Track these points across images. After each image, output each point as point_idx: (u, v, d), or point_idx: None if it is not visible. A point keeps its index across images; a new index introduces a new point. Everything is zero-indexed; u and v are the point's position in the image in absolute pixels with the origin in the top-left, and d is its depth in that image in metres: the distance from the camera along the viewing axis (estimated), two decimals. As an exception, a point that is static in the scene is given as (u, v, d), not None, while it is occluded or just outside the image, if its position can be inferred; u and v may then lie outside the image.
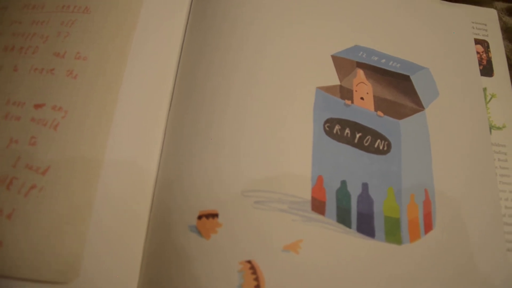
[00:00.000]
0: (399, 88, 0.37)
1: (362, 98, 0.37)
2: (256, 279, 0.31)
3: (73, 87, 0.35)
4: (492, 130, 0.39)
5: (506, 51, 0.45)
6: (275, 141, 0.35)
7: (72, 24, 0.37)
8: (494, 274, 0.33)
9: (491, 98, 0.40)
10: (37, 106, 0.35)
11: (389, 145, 0.35)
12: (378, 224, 0.34)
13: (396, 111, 0.37)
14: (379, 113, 0.36)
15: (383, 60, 0.38)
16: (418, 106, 0.37)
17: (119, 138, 0.34)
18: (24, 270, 0.31)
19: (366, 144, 0.35)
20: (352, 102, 0.36)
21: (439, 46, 0.40)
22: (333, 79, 0.37)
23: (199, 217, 0.32)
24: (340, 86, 0.37)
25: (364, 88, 0.37)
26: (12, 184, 0.33)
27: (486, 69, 0.41)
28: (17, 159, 0.33)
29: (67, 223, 0.32)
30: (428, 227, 0.35)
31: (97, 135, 0.34)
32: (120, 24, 0.37)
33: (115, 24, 0.37)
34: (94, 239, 0.32)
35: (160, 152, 0.35)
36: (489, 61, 0.42)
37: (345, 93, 0.37)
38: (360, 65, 0.38)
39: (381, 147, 0.35)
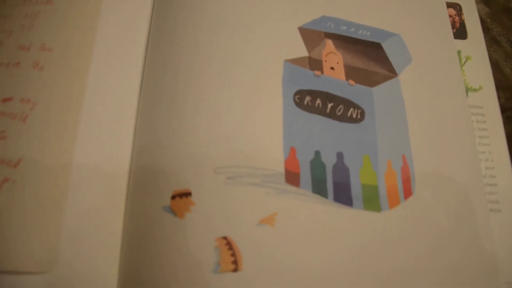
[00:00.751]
0: (370, 56, 0.37)
1: (332, 68, 0.36)
2: (233, 254, 0.31)
3: (40, 79, 0.35)
4: (468, 92, 0.39)
5: (481, 14, 0.45)
6: (245, 116, 0.34)
7: (36, 16, 0.37)
8: (477, 235, 0.33)
9: (466, 61, 0.40)
10: (5, 100, 0.35)
11: (362, 113, 0.35)
12: (356, 192, 0.34)
13: (368, 79, 0.36)
14: (350, 81, 0.35)
15: (352, 29, 0.38)
16: (391, 72, 0.37)
17: (89, 126, 0.34)
18: (1, 262, 0.31)
19: (339, 114, 0.35)
20: (322, 73, 0.36)
21: (409, 12, 0.40)
22: (302, 52, 0.37)
23: (173, 197, 0.32)
24: (309, 57, 0.37)
25: (333, 58, 0.37)
26: (-16, 179, 0.33)
27: (460, 32, 0.41)
28: (-12, 154, 0.33)
29: (42, 213, 0.32)
30: (408, 192, 0.34)
31: (67, 124, 0.34)
32: (83, 13, 0.37)
33: (78, 13, 0.37)
34: (71, 227, 0.32)
35: (132, 138, 0.35)
36: (462, 24, 0.41)
37: (314, 64, 0.37)
38: (329, 35, 0.37)
39: (354, 116, 0.35)
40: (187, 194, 0.32)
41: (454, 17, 0.41)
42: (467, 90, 0.39)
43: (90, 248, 0.32)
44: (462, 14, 0.42)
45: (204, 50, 0.37)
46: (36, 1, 0.38)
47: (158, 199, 0.32)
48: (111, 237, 0.33)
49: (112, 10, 0.38)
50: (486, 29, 0.44)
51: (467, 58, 0.40)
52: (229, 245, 0.31)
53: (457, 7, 0.42)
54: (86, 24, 0.37)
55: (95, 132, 0.34)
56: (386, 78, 0.37)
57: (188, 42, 0.37)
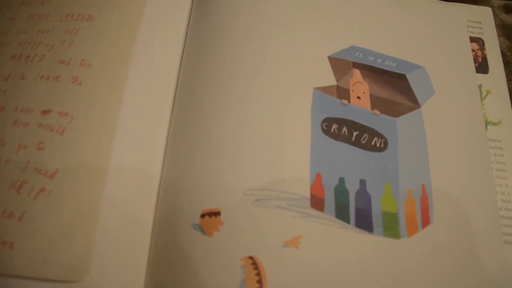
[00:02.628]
0: (395, 86, 0.39)
1: (358, 97, 0.38)
2: (258, 274, 0.32)
3: (78, 93, 0.37)
4: (488, 126, 0.40)
5: (502, 48, 0.46)
6: (274, 141, 0.36)
7: (76, 32, 0.39)
8: (492, 266, 0.35)
9: (486, 95, 0.41)
10: (44, 112, 0.36)
11: (386, 143, 0.36)
12: (376, 219, 0.35)
13: (393, 109, 0.38)
14: (376, 111, 0.37)
15: (379, 60, 0.39)
16: (414, 104, 0.39)
17: (123, 141, 0.36)
18: (35, 270, 0.33)
19: (363, 142, 0.37)
20: (349, 102, 0.38)
21: (434, 45, 0.42)
22: (330, 80, 0.39)
23: (202, 216, 0.34)
24: (337, 86, 0.39)
25: (360, 87, 0.38)
26: (22, 187, 0.34)
27: (481, 66, 0.43)
28: (26, 164, 0.35)
29: (75, 224, 0.34)
30: (426, 221, 0.36)
31: (102, 139, 0.36)
32: (122, 30, 0.39)
33: (117, 31, 0.39)
34: (102, 238, 0.34)
35: (163, 156, 0.37)
36: (484, 58, 0.43)
37: (342, 93, 0.38)
38: (357, 65, 0.39)
39: (378, 145, 0.36)
40: (216, 214, 0.34)
41: (476, 51, 0.43)
42: (487, 123, 0.40)
43: (119, 260, 0.34)
44: (484, 48, 0.43)
45: (232, 74, 0.39)
46: (77, 18, 0.39)
47: (188, 217, 0.34)
48: (139, 250, 0.35)
49: (150, 28, 0.40)
50: (506, 63, 0.45)
51: (488, 92, 0.41)
52: (255, 264, 0.32)
53: (479, 42, 0.44)
54: (124, 41, 0.39)
55: (129, 146, 0.36)
56: (410, 109, 0.38)
57: (215, 65, 0.39)
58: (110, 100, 0.37)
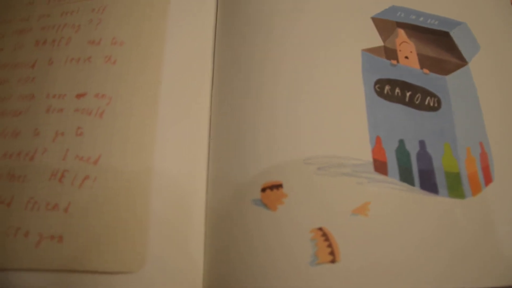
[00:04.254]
0: (440, 44, 0.37)
1: (406, 57, 0.36)
2: (330, 245, 0.30)
3: (113, 73, 0.35)
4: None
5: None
6: (329, 107, 0.34)
7: (104, 10, 0.36)
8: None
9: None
10: (79, 96, 0.34)
11: (439, 101, 0.35)
12: (440, 180, 0.33)
13: (441, 68, 0.36)
14: (425, 70, 0.35)
15: (421, 18, 0.38)
16: (461, 61, 0.37)
17: (167, 120, 0.34)
18: (88, 263, 0.30)
19: (417, 102, 0.35)
20: (398, 62, 0.36)
21: (473, 0, 0.40)
22: (377, 41, 0.37)
23: (263, 190, 0.32)
24: (384, 47, 0.37)
25: (407, 47, 0.37)
26: (64, 177, 0.32)
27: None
28: (66, 152, 0.33)
29: (126, 211, 0.31)
30: (488, 179, 0.34)
31: (145, 117, 0.33)
32: (152, 4, 0.37)
33: (147, 4, 0.37)
34: (155, 225, 0.32)
35: (209, 132, 0.35)
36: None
37: (390, 53, 0.37)
38: (400, 24, 0.37)
39: (431, 104, 0.35)
40: (278, 186, 0.32)
41: (515, 4, 0.42)
42: (534, 75, 0.39)
43: (175, 248, 0.32)
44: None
45: (279, 42, 0.37)
46: (103, -5, 0.37)
47: (246, 192, 0.32)
48: (194, 235, 0.32)
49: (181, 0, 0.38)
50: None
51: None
52: (325, 236, 0.30)
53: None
54: (156, 14, 0.36)
55: (173, 124, 0.34)
56: (458, 67, 0.37)
57: (261, 35, 0.37)
58: (148, 77, 0.34)
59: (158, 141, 0.33)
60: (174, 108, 0.34)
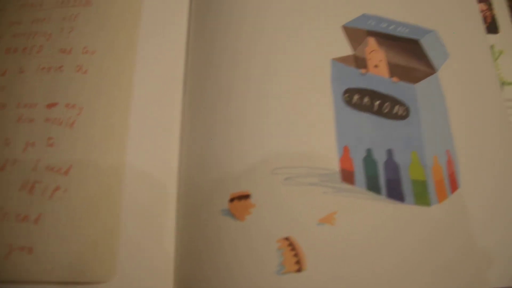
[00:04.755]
0: (410, 52, 0.38)
1: (376, 66, 0.37)
2: (296, 254, 0.31)
3: (84, 83, 0.35)
4: (504, 86, 0.40)
5: (510, 6, 0.45)
6: (298, 117, 0.35)
7: (75, 18, 0.36)
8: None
9: (499, 55, 0.41)
10: (50, 106, 0.34)
11: (407, 110, 0.36)
12: (407, 188, 0.34)
13: (410, 76, 0.37)
14: (394, 78, 0.36)
15: (392, 27, 0.38)
16: (430, 69, 0.38)
17: (138, 130, 0.34)
18: (58, 274, 0.31)
19: (386, 111, 0.35)
20: (368, 71, 0.37)
21: (443, 8, 0.41)
22: (347, 50, 0.37)
23: (231, 200, 0.32)
24: (354, 55, 0.37)
25: (377, 55, 0.37)
26: (34, 188, 0.32)
27: (492, 27, 0.42)
28: (37, 162, 0.33)
29: (97, 221, 0.32)
30: (454, 186, 0.35)
31: (115, 127, 0.34)
32: (125, 13, 0.37)
33: (119, 13, 0.37)
34: (126, 235, 0.32)
35: (180, 143, 0.35)
36: (493, 19, 0.42)
37: (360, 62, 0.37)
38: (371, 33, 0.38)
39: (400, 113, 0.36)
40: (246, 197, 0.32)
41: (485, 12, 0.42)
42: (502, 83, 0.40)
43: (146, 254, 0.32)
44: (492, 8, 0.43)
45: (248, 52, 0.37)
46: (74, 3, 0.37)
47: (215, 203, 0.32)
48: (165, 241, 0.33)
49: (154, 7, 0.38)
50: (514, 22, 0.45)
51: (500, 52, 0.41)
52: (292, 245, 0.31)
53: (487, 2, 0.43)
54: (128, 24, 0.36)
55: (144, 134, 0.34)
56: (426, 75, 0.38)
57: (231, 42, 0.37)
58: (119, 86, 0.35)
59: (129, 152, 0.33)
60: (146, 118, 0.35)
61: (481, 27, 0.41)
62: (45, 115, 0.34)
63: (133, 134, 0.34)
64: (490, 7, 0.43)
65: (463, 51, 0.40)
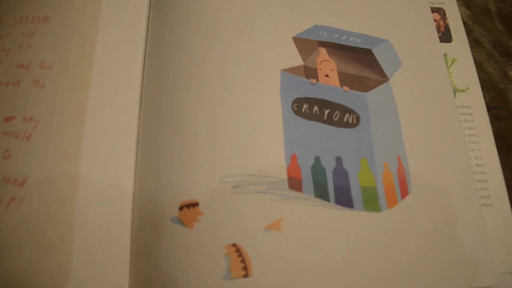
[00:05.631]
0: (362, 62, 0.39)
1: (326, 76, 0.38)
2: (243, 261, 0.32)
3: (41, 97, 0.36)
4: (456, 93, 0.41)
5: (463, 17, 0.47)
6: (246, 126, 0.36)
7: (33, 34, 0.38)
8: (470, 229, 0.35)
9: (452, 63, 0.42)
10: (8, 119, 0.36)
11: (357, 118, 0.37)
12: (356, 194, 0.35)
13: (362, 85, 0.38)
14: (345, 88, 0.37)
15: (344, 37, 0.40)
16: (383, 77, 0.39)
17: (93, 142, 0.36)
18: (14, 284, 0.32)
19: (336, 119, 0.37)
20: (317, 80, 0.38)
21: (397, 18, 0.42)
22: (297, 60, 0.39)
23: (181, 208, 0.34)
24: (304, 66, 0.39)
25: (327, 65, 0.38)
26: (-9, 199, 0.33)
27: (445, 36, 0.43)
28: (-7, 174, 0.34)
29: (52, 231, 0.33)
30: (404, 192, 0.36)
31: (71, 141, 0.35)
32: (81, 29, 0.38)
33: (76, 30, 0.38)
34: (80, 244, 0.33)
35: (135, 154, 0.37)
36: (447, 28, 0.44)
37: (310, 72, 0.39)
38: (322, 43, 0.39)
39: (350, 121, 0.37)
40: (195, 205, 0.34)
41: (439, 21, 0.44)
42: (455, 91, 0.41)
43: (100, 263, 0.33)
44: (446, 18, 0.44)
45: (201, 63, 0.38)
46: (33, 19, 0.38)
47: (166, 211, 0.34)
48: (120, 250, 0.34)
49: (110, 25, 0.39)
50: (468, 31, 0.46)
51: (453, 61, 0.42)
52: (239, 251, 0.32)
53: (441, 12, 0.44)
54: (84, 39, 0.38)
55: (99, 146, 0.36)
56: (379, 83, 0.39)
57: (184, 55, 0.39)
58: (75, 101, 0.36)
59: (84, 163, 0.35)
60: (101, 130, 0.36)
61: (434, 35, 0.43)
62: (2, 129, 0.35)
63: (88, 146, 0.35)
64: (443, 16, 0.44)
65: (416, 60, 0.41)
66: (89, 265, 0.33)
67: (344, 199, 0.35)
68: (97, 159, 0.35)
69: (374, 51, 0.39)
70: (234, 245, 0.33)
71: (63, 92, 0.36)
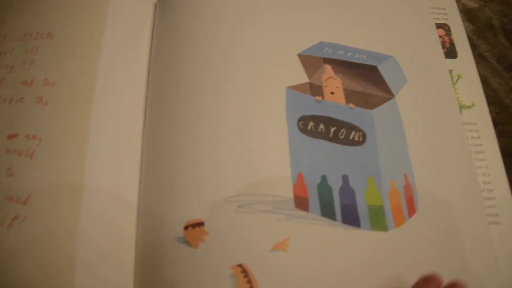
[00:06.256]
0: (368, 79, 0.39)
1: (332, 93, 0.39)
2: (249, 281, 0.32)
3: (44, 114, 0.36)
4: (462, 110, 0.41)
5: (467, 31, 0.47)
6: (252, 145, 0.36)
7: (37, 51, 0.38)
8: (478, 248, 0.35)
9: (458, 79, 0.43)
10: (11, 137, 0.36)
11: (364, 136, 0.37)
12: (362, 213, 0.36)
13: (368, 102, 0.39)
14: (351, 105, 0.38)
15: (349, 54, 0.40)
16: (388, 94, 0.39)
17: (97, 160, 0.36)
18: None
19: (342, 137, 0.37)
20: (323, 98, 0.38)
21: (402, 34, 0.43)
22: (302, 78, 0.39)
23: (186, 228, 0.34)
24: (310, 83, 0.39)
25: (333, 82, 0.39)
26: (-7, 217, 0.34)
27: (450, 52, 0.44)
28: (-4, 192, 0.34)
29: (55, 250, 0.33)
30: (412, 210, 0.36)
31: (74, 159, 0.35)
32: (85, 45, 0.39)
33: (80, 47, 0.39)
34: (84, 262, 0.33)
35: (139, 172, 0.37)
36: (452, 44, 0.44)
37: (315, 89, 0.39)
38: (327, 60, 0.40)
39: (356, 139, 0.37)
40: (200, 224, 0.34)
41: (444, 37, 0.44)
42: (461, 107, 0.41)
43: (104, 282, 0.33)
44: (451, 34, 0.45)
45: (204, 79, 0.39)
46: (36, 36, 0.39)
47: (171, 230, 0.34)
48: (124, 270, 0.34)
49: (114, 42, 0.40)
50: (472, 46, 0.47)
51: (459, 77, 0.43)
52: (245, 272, 0.32)
53: (446, 28, 0.45)
54: (87, 56, 0.38)
55: (103, 165, 0.36)
56: (384, 100, 0.39)
57: (187, 71, 0.39)
58: (79, 118, 0.36)
59: (88, 182, 0.35)
60: (105, 148, 0.36)
61: (439, 52, 0.43)
62: (5, 146, 0.35)
63: (91, 163, 0.35)
64: (448, 32, 0.45)
65: (422, 76, 0.42)
66: (93, 284, 0.33)
67: (351, 218, 0.35)
68: (100, 176, 0.35)
69: (379, 67, 0.39)
70: (240, 265, 0.33)
71: (67, 109, 0.36)
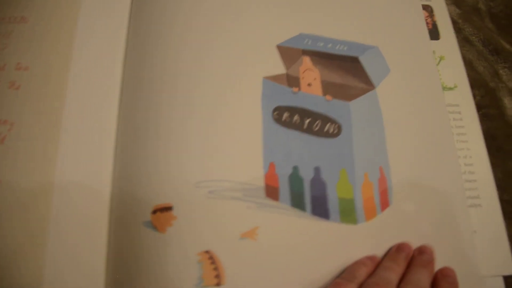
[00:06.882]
0: (348, 70, 0.41)
1: (309, 85, 0.40)
2: (216, 268, 0.34)
3: (17, 99, 0.38)
4: (444, 91, 0.43)
5: (453, 15, 0.50)
6: (225, 132, 0.39)
7: (9, 35, 0.40)
8: (458, 234, 0.37)
9: (440, 61, 0.45)
10: (-18, 122, 0.37)
11: (339, 128, 0.39)
12: (332, 206, 0.37)
13: (346, 94, 0.40)
14: (327, 97, 0.39)
15: (329, 45, 0.41)
16: (368, 85, 0.41)
17: (69, 145, 0.38)
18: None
19: (316, 129, 0.39)
20: (299, 89, 0.40)
21: (386, 20, 0.45)
22: (280, 69, 0.41)
23: (154, 212, 0.35)
24: (287, 74, 0.41)
25: (310, 74, 0.40)
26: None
27: (433, 33, 0.46)
28: (-34, 176, 0.36)
29: (23, 233, 0.34)
30: (385, 204, 0.38)
31: (46, 144, 0.37)
32: (59, 30, 0.41)
33: (54, 31, 0.40)
34: (54, 248, 0.35)
35: (113, 158, 0.38)
36: (435, 25, 0.46)
37: (292, 81, 0.41)
38: (306, 52, 0.41)
39: (331, 131, 0.39)
40: (168, 209, 0.35)
41: (426, 18, 0.46)
42: (443, 89, 0.43)
43: (75, 272, 0.35)
44: (434, 15, 0.46)
45: (180, 67, 0.40)
46: (9, 20, 0.41)
47: (139, 215, 0.35)
48: (96, 255, 0.36)
49: (88, 27, 0.42)
50: (458, 30, 0.49)
51: (441, 58, 0.45)
52: (212, 259, 0.34)
53: (428, 9, 0.47)
54: (62, 41, 0.40)
55: (76, 150, 0.38)
56: (364, 91, 0.41)
57: (163, 60, 0.41)
58: (52, 102, 0.38)
59: (60, 167, 0.36)
60: (79, 133, 0.38)
61: (425, 33, 0.45)
62: (-24, 131, 0.37)
63: (64, 149, 0.37)
64: (431, 13, 0.46)
65: (405, 61, 0.44)
66: (64, 269, 0.34)
67: (320, 210, 0.37)
68: (73, 162, 0.38)
69: (361, 58, 0.41)
70: (207, 252, 0.34)
71: (40, 94, 0.38)
